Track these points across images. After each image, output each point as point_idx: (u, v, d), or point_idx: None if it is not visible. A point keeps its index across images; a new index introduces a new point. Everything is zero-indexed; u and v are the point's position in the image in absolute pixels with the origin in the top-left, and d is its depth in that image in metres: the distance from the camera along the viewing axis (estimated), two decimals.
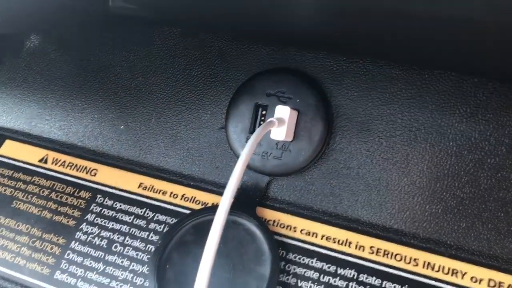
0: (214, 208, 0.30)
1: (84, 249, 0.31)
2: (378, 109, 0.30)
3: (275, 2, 0.22)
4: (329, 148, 0.30)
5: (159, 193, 0.32)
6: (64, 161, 0.35)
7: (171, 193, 0.32)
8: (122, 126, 0.35)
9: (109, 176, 0.34)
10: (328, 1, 0.21)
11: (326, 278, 0.28)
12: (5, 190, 0.34)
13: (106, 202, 0.33)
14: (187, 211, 0.31)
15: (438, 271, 0.27)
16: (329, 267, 0.28)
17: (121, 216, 0.32)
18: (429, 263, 0.27)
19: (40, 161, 0.35)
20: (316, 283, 0.28)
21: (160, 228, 0.31)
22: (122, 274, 0.30)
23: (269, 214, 0.30)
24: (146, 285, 0.29)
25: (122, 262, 0.30)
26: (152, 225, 0.31)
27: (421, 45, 0.24)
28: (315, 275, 0.28)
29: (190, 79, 0.34)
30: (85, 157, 0.35)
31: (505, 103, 0.27)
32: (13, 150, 0.36)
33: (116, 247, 0.31)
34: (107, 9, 0.27)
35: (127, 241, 0.31)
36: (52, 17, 0.31)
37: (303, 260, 0.28)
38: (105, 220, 0.32)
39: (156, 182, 0.33)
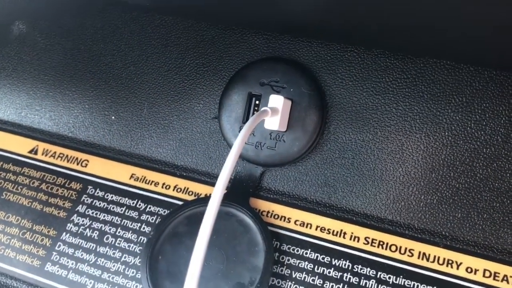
0: (207, 199, 0.30)
1: (75, 240, 0.31)
2: (373, 98, 0.29)
3: None
4: (323, 138, 0.30)
5: (151, 184, 0.32)
6: (55, 152, 0.34)
7: (164, 184, 0.32)
8: (113, 117, 0.34)
9: (100, 167, 0.33)
10: None
11: (320, 269, 0.28)
12: None
13: (98, 193, 0.32)
14: (180, 202, 0.31)
15: (433, 261, 0.27)
16: (323, 258, 0.28)
17: (113, 208, 0.31)
18: (424, 254, 0.27)
19: (30, 152, 0.35)
20: (310, 274, 0.27)
21: (152, 219, 0.31)
22: (114, 266, 0.30)
23: (263, 205, 0.30)
24: (138, 276, 0.29)
25: (114, 253, 0.30)
26: (144, 216, 0.31)
27: (416, 31, 0.24)
28: (310, 266, 0.28)
29: (183, 68, 0.33)
30: (76, 148, 0.34)
31: (501, 92, 0.27)
32: (3, 141, 0.36)
33: (107, 238, 0.31)
34: None
35: (119, 232, 0.31)
36: (47, 4, 0.30)
37: (297, 251, 0.28)
38: (97, 212, 0.31)
39: (148, 173, 0.32)
